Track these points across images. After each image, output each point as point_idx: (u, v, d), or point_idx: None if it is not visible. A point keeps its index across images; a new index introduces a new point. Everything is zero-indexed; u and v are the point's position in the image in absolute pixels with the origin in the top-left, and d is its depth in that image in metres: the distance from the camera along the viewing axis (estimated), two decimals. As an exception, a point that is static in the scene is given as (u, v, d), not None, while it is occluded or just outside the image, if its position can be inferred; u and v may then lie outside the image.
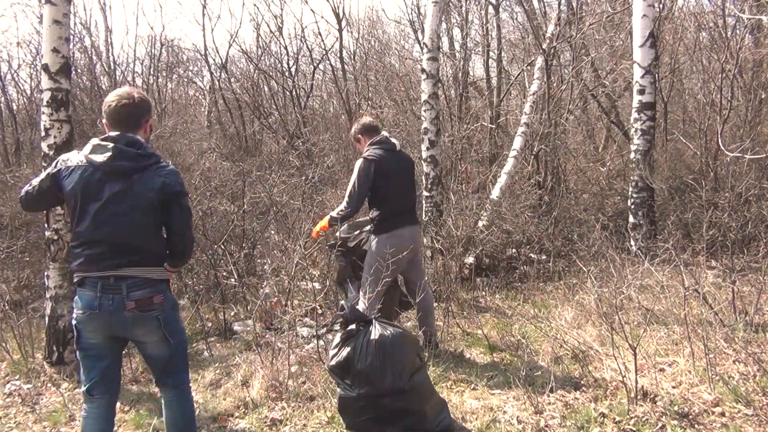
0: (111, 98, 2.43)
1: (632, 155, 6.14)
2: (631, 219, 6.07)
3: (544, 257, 6.20)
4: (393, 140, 3.95)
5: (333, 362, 2.90)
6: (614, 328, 3.32)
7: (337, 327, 4.25)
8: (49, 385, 3.96)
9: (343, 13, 10.35)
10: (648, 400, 3.07)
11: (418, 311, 4.03)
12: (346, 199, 3.80)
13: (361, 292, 3.72)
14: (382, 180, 3.75)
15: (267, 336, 4.41)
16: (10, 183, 7.04)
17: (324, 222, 3.91)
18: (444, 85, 8.80)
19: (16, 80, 10.85)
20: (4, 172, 7.71)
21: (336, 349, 2.92)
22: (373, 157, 3.77)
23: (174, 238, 2.46)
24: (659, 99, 6.94)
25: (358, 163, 3.80)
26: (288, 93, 10.75)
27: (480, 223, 6.01)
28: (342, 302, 3.76)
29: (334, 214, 3.83)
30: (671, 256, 4.02)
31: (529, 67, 8.71)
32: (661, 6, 7.20)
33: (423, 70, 6.17)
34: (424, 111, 6.10)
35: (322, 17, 30.65)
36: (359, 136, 3.99)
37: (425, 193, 6.13)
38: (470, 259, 5.73)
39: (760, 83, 6.86)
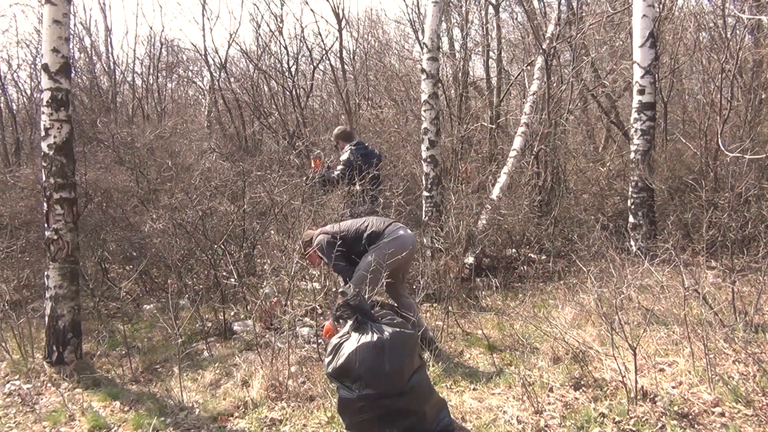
0: None
1: (632, 155, 6.14)
2: (630, 219, 6.07)
3: (544, 257, 6.20)
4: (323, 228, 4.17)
5: (329, 369, 2.90)
6: (614, 328, 3.32)
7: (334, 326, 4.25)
8: (48, 385, 3.96)
9: (343, 13, 10.32)
10: (648, 400, 3.07)
11: (416, 311, 4.04)
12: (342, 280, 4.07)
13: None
14: (342, 237, 3.89)
15: (267, 336, 4.40)
16: (10, 183, 7.04)
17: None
18: (444, 85, 8.80)
19: (16, 80, 10.91)
20: (4, 172, 7.71)
21: (330, 356, 2.91)
22: (322, 233, 3.96)
23: None
24: (659, 99, 6.93)
25: (320, 246, 3.95)
26: (288, 93, 10.74)
27: (480, 223, 6.00)
28: (342, 289, 3.76)
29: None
30: (671, 256, 4.02)
31: (529, 67, 8.71)
32: (661, 6, 7.19)
33: (423, 70, 6.17)
34: (424, 111, 6.10)
35: (322, 17, 30.64)
36: (307, 249, 4.12)
37: (425, 193, 6.13)
38: (470, 259, 5.73)
39: (760, 83, 6.85)
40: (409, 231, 4.03)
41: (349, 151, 6.10)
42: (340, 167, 6.01)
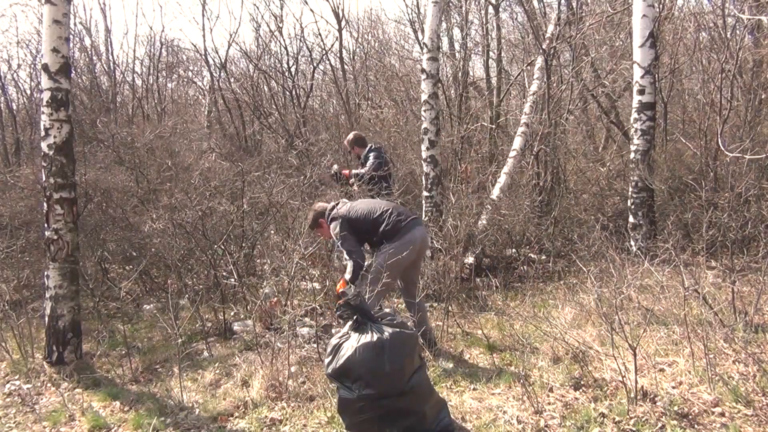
0: None
1: (632, 155, 6.14)
2: (630, 219, 6.07)
3: (544, 257, 6.20)
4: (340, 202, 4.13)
5: (329, 369, 2.90)
6: (614, 328, 3.32)
7: (336, 325, 4.25)
8: (48, 385, 3.96)
9: (343, 13, 10.34)
10: (648, 400, 3.07)
11: (417, 311, 4.03)
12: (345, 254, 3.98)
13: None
14: (357, 222, 3.87)
15: (267, 336, 4.40)
16: (10, 183, 7.04)
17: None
18: (444, 85, 8.80)
19: (16, 80, 10.91)
20: (4, 172, 7.71)
21: (330, 357, 2.91)
22: (338, 216, 3.91)
23: None
24: (659, 99, 6.93)
25: (334, 229, 3.90)
26: (288, 93, 10.74)
27: (480, 223, 6.01)
28: (342, 290, 3.76)
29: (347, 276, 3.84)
30: (671, 256, 4.02)
31: (529, 67, 8.71)
32: (661, 6, 7.19)
33: (423, 70, 6.18)
34: (424, 111, 6.10)
35: (322, 17, 30.68)
36: (319, 221, 4.11)
37: (425, 193, 6.13)
38: (470, 259, 5.73)
39: (760, 83, 6.85)
40: (423, 229, 4.03)
41: (373, 152, 6.31)
42: (370, 162, 6.17)
